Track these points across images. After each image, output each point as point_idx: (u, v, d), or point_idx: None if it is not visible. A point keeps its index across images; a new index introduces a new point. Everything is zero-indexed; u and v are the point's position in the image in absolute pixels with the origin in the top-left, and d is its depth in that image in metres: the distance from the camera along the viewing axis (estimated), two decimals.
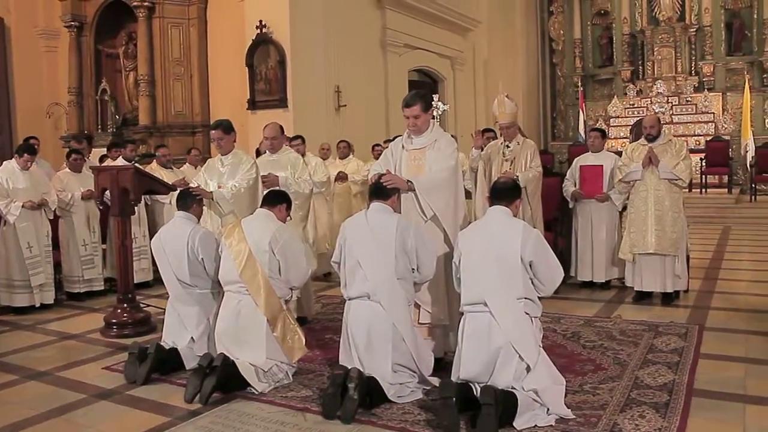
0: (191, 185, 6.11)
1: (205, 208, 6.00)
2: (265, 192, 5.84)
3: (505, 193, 4.47)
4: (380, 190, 4.82)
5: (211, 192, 6.06)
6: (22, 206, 7.68)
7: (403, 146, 5.23)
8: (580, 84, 20.38)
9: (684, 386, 4.64)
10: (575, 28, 20.78)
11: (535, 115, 20.84)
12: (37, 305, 7.77)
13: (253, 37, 11.66)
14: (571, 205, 8.17)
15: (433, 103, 5.43)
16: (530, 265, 4.16)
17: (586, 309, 7.01)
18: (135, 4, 12.70)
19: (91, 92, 13.76)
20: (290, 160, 6.66)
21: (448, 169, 5.05)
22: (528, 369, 4.08)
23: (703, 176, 15.48)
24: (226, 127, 6.25)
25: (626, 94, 19.50)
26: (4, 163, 8.11)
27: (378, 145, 11.24)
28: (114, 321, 6.62)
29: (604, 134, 8.51)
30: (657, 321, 6.41)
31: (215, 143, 6.33)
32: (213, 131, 6.30)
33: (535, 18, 21.30)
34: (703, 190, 15.36)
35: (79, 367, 5.63)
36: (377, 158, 10.36)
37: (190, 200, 5.72)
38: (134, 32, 13.27)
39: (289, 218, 5.49)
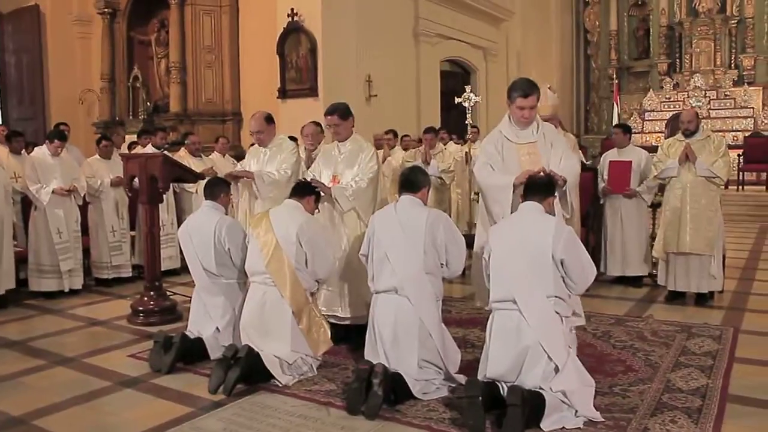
0: (308, 178, 5.67)
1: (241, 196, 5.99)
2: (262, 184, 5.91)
3: (539, 188, 4.42)
4: (410, 182, 4.76)
5: (330, 187, 5.56)
6: (53, 192, 7.74)
7: (507, 138, 5.00)
8: (615, 76, 20.13)
9: (718, 391, 4.53)
10: (611, 19, 20.52)
11: (568, 107, 20.64)
12: (66, 290, 7.84)
13: (285, 26, 11.66)
14: (601, 201, 8.08)
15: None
16: (561, 263, 4.10)
17: (617, 307, 6.92)
18: None
19: (123, 79, 13.87)
20: (281, 151, 6.32)
21: (578, 165, 5.01)
22: (557, 369, 4.02)
23: (741, 173, 15.18)
24: (344, 112, 5.71)
25: (662, 87, 19.23)
26: (36, 149, 8.21)
27: (407, 136, 11.20)
28: (141, 308, 6.65)
29: (627, 130, 8.41)
30: (690, 322, 6.30)
31: (331, 130, 5.81)
32: (328, 116, 5.70)
33: (570, 9, 21.07)
34: (740, 187, 15.07)
35: (105, 354, 5.67)
36: (406, 150, 10.39)
37: (218, 190, 5.71)
38: (166, 19, 13.34)
39: (317, 210, 5.46)
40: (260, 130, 6.23)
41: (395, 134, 10.47)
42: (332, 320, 5.50)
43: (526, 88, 4.87)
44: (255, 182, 6.09)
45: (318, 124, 7.18)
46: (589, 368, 4.37)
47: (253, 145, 6.65)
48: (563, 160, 4.87)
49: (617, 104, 18.55)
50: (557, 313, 4.12)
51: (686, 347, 5.52)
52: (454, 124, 14.04)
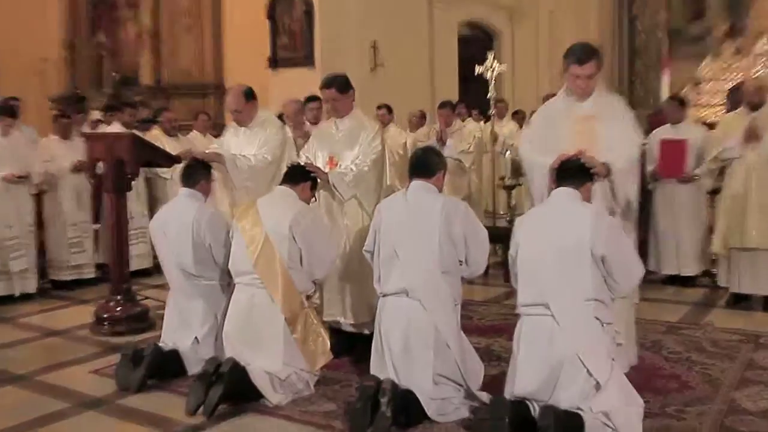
0: (302, 161, 5.69)
1: (218, 182, 5.98)
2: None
3: (573, 172, 4.39)
4: (423, 165, 4.74)
5: (327, 172, 5.55)
6: (1, 179, 7.74)
7: (561, 111, 5.07)
8: (665, 40, 20.03)
9: None
10: None
11: (608, 77, 20.54)
12: (17, 295, 7.86)
13: None
14: (650, 187, 8.04)
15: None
16: (602, 260, 4.07)
17: (670, 312, 6.90)
18: None
19: (86, 46, 13.88)
20: (263, 131, 6.23)
21: (637, 146, 4.99)
22: (597, 387, 3.99)
23: None
24: (342, 85, 5.71)
25: (721, 53, 19.12)
26: None
27: (421, 112, 11.18)
28: (106, 315, 6.65)
29: (682, 103, 8.39)
30: (758, 330, 6.27)
31: (329, 105, 5.84)
32: (325, 90, 5.71)
33: None
34: None
35: (63, 370, 5.66)
36: (414, 129, 10.38)
37: (197, 175, 5.69)
38: None
39: (313, 199, 5.45)
40: (238, 109, 6.15)
41: (389, 109, 10.45)
42: (332, 328, 5.48)
43: (581, 53, 4.89)
44: (227, 168, 6.00)
45: (300, 102, 7.22)
46: (637, 385, 4.34)
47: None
48: (618, 140, 4.85)
49: (667, 74, 18.47)
50: (597, 319, 4.09)
51: (753, 360, 5.49)
52: (474, 97, 13.97)
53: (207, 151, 6.32)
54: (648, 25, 20.76)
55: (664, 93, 18.18)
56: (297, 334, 4.93)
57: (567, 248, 4.10)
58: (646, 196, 8.09)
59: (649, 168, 7.97)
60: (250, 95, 6.21)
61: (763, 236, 6.83)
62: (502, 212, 9.56)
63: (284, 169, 5.84)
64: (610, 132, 4.88)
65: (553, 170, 4.58)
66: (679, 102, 8.32)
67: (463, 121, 10.70)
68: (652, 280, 7.81)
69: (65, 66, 13.98)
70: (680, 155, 7.83)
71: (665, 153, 7.92)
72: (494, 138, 10.01)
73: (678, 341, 5.99)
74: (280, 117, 9.03)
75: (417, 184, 4.72)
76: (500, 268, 8.08)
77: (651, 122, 14.56)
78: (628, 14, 21.20)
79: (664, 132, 8.12)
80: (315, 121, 7.23)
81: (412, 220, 4.57)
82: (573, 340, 4.01)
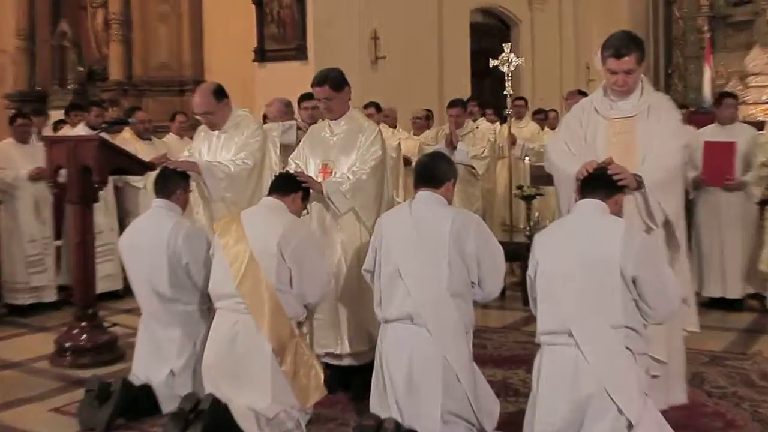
0: (291, 170, 5.71)
1: (194, 192, 5.98)
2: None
3: (600, 182, 4.40)
4: (430, 174, 4.76)
5: (320, 182, 5.57)
6: None
7: (597, 111, 5.05)
8: (706, 29, 20.06)
9: None
10: None
11: (643, 71, 20.60)
12: None
13: None
14: (691, 196, 8.03)
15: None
16: (634, 282, 4.07)
17: (713, 340, 6.87)
18: None
19: (47, 36, 13.90)
20: (239, 133, 6.19)
21: (678, 153, 4.86)
22: (630, 426, 3.99)
23: None
24: (337, 81, 5.72)
25: None
26: None
27: (426, 111, 11.17)
28: (68, 345, 6.65)
29: (735, 98, 8.38)
30: None
31: (322, 105, 5.85)
32: (317, 88, 5.73)
33: None
34: None
35: (19, 408, 5.66)
36: (418, 132, 10.40)
37: (173, 184, 5.69)
38: None
39: (305, 212, 5.46)
40: (209, 111, 6.10)
41: (378, 108, 10.42)
42: (326, 360, 5.49)
43: (618, 45, 4.83)
44: (203, 177, 5.94)
45: (286, 101, 7.24)
46: (675, 424, 4.34)
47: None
48: (658, 147, 4.80)
49: (710, 66, 18.50)
50: (628, 349, 4.10)
51: None
52: (489, 94, 14.02)
53: (181, 159, 6.27)
54: (687, 11, 20.81)
55: (706, 88, 18.18)
56: (286, 366, 4.91)
57: (593, 268, 4.10)
58: (687, 207, 8.10)
59: (692, 174, 7.95)
60: (221, 94, 6.16)
61: None
62: (521, 226, 9.57)
63: (267, 176, 5.87)
64: (650, 137, 4.85)
65: (579, 180, 4.59)
66: (735, 99, 8.29)
67: (475, 121, 10.69)
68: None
69: (23, 59, 13.98)
70: (728, 159, 7.82)
71: (710, 157, 7.90)
72: (512, 141, 10.02)
73: (723, 374, 5.98)
74: (264, 118, 9.08)
75: (423, 195, 4.73)
76: (518, 289, 8.10)
77: (691, 120, 14.62)
78: None
79: (711, 133, 8.11)
80: (312, 122, 7.21)
81: (418, 237, 4.58)
82: (600, 373, 4.01)
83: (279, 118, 7.38)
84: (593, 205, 4.32)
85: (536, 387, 4.22)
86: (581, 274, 4.12)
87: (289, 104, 7.58)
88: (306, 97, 7.84)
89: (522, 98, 12.22)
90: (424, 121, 10.80)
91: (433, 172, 4.77)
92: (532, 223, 8.78)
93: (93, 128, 8.88)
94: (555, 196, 5.08)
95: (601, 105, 5.03)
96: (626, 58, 4.81)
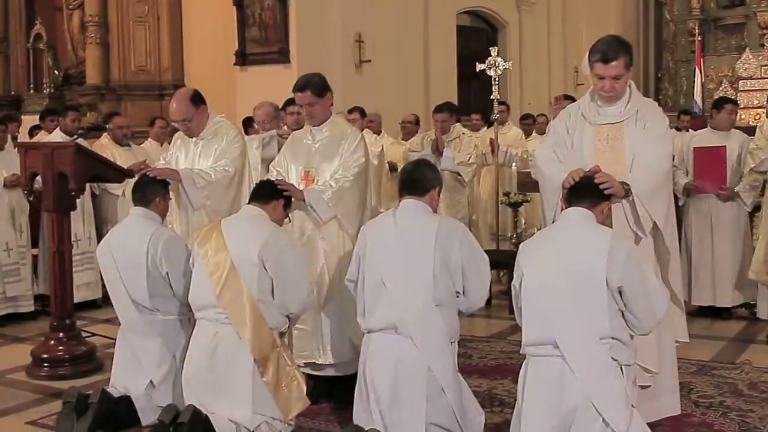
0: (272, 177, 5.71)
1: (172, 201, 5.99)
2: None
3: (587, 190, 4.42)
4: (414, 181, 4.78)
5: (302, 190, 5.58)
6: None
7: (584, 117, 5.07)
8: (697, 32, 20.14)
9: None
10: None
11: (632, 75, 20.67)
12: None
13: None
14: (681, 203, 8.06)
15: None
16: (620, 292, 4.10)
17: (701, 349, 6.89)
18: None
19: (21, 39, 13.88)
20: (218, 140, 6.19)
21: (666, 160, 4.92)
22: None
23: None
24: (319, 87, 5.74)
25: (764, 45, 19.24)
26: None
27: (413, 117, 11.19)
28: (45, 356, 6.65)
29: (736, 105, 8.40)
30: None
31: (304, 111, 5.84)
32: (299, 93, 5.74)
33: None
34: None
35: None
36: (407, 137, 10.41)
37: (152, 192, 5.69)
38: None
39: (287, 220, 5.47)
40: (186, 118, 6.07)
41: (362, 113, 10.46)
42: (307, 371, 5.51)
43: (606, 50, 4.84)
44: (182, 186, 5.94)
45: (275, 105, 7.25)
46: None
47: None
48: (645, 153, 4.84)
49: (701, 69, 18.56)
50: (614, 360, 4.12)
51: None
52: (476, 99, 14.05)
53: (159, 166, 6.24)
54: (678, 14, 20.88)
55: (697, 92, 18.22)
56: (268, 377, 4.91)
57: (578, 278, 4.11)
58: (676, 213, 8.14)
59: (681, 181, 7.99)
60: (198, 99, 6.15)
61: None
62: (508, 234, 9.61)
63: (246, 183, 5.89)
64: (638, 143, 4.87)
65: (565, 188, 4.63)
66: (734, 105, 8.33)
67: (463, 127, 10.67)
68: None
69: None
70: (719, 165, 7.86)
71: (700, 162, 7.94)
72: (491, 147, 10.01)
73: (710, 383, 6.01)
74: (248, 121, 9.12)
75: (408, 203, 4.74)
76: (505, 297, 8.11)
77: (681, 126, 14.68)
78: (654, 0, 21.33)
79: (703, 138, 8.15)
80: (298, 128, 7.19)
81: (403, 245, 4.59)
82: (586, 384, 4.02)
83: (267, 122, 7.35)
84: (579, 214, 4.32)
85: (521, 399, 4.23)
86: (567, 284, 4.13)
87: (278, 108, 7.57)
88: (291, 102, 7.84)
89: (503, 103, 12.26)
90: (413, 126, 10.78)
91: (417, 180, 4.78)
92: (518, 231, 8.82)
93: (69, 133, 8.90)
94: (540, 203, 5.09)
95: (588, 110, 5.05)
96: (614, 63, 4.82)
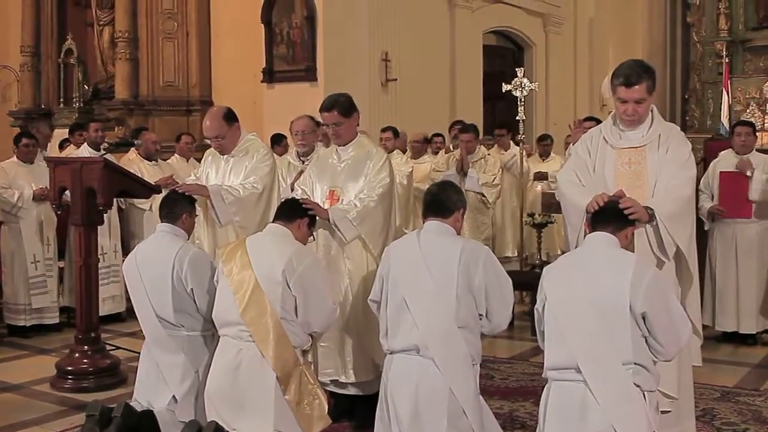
0: (297, 196, 5.73)
1: (200, 217, 6.01)
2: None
3: (611, 215, 4.40)
4: (439, 203, 4.79)
5: (326, 209, 5.63)
6: None
7: (605, 140, 5.07)
8: (724, 53, 20.06)
9: None
10: None
11: (659, 97, 20.60)
12: None
13: None
14: (706, 227, 8.04)
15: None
16: (643, 318, 4.09)
17: (725, 376, 6.89)
18: None
19: (52, 53, 13.98)
20: (248, 157, 6.27)
21: (689, 185, 4.89)
22: None
23: None
24: (345, 107, 5.79)
25: None
26: None
27: (438, 135, 11.20)
28: (70, 368, 6.69)
29: (755, 129, 8.36)
30: None
31: (330, 130, 5.91)
32: (326, 113, 5.80)
33: None
34: None
35: None
36: (416, 156, 10.41)
37: (179, 208, 5.70)
38: None
39: (311, 238, 5.48)
40: (220, 135, 6.15)
41: (395, 132, 10.39)
42: (330, 389, 5.51)
43: (629, 73, 4.83)
44: (211, 202, 6.00)
45: (314, 119, 7.26)
46: None
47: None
48: (668, 179, 4.83)
49: (728, 92, 18.48)
50: (637, 386, 4.10)
51: None
52: (502, 118, 14.05)
53: (188, 182, 6.32)
54: (706, 35, 20.77)
55: (724, 114, 18.14)
56: (290, 395, 4.92)
57: (602, 303, 4.10)
58: (701, 238, 8.10)
59: (706, 205, 7.96)
60: (231, 117, 6.22)
61: None
62: (535, 256, 9.59)
63: (275, 201, 5.91)
64: (660, 168, 4.86)
65: (589, 213, 4.63)
66: (753, 129, 8.29)
67: (488, 149, 10.63)
68: (705, 337, 7.81)
69: (28, 76, 14.04)
70: (744, 189, 7.83)
71: (726, 187, 7.92)
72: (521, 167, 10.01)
73: (734, 410, 5.98)
74: (275, 139, 9.14)
75: (432, 224, 4.74)
76: (527, 319, 8.11)
77: (708, 149, 14.64)
78: (682, 22, 21.25)
79: (727, 161, 8.11)
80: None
81: (426, 267, 4.58)
82: (608, 410, 4.00)
83: (307, 133, 7.35)
84: (604, 238, 4.31)
85: (543, 423, 4.21)
86: (590, 309, 4.12)
87: (318, 124, 7.55)
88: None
89: (548, 137, 12.18)
90: (422, 145, 10.74)
91: (442, 202, 4.78)
92: (526, 254, 8.80)
93: (94, 145, 8.94)
94: (563, 226, 5.09)
95: (611, 134, 5.05)
96: (636, 87, 4.82)
